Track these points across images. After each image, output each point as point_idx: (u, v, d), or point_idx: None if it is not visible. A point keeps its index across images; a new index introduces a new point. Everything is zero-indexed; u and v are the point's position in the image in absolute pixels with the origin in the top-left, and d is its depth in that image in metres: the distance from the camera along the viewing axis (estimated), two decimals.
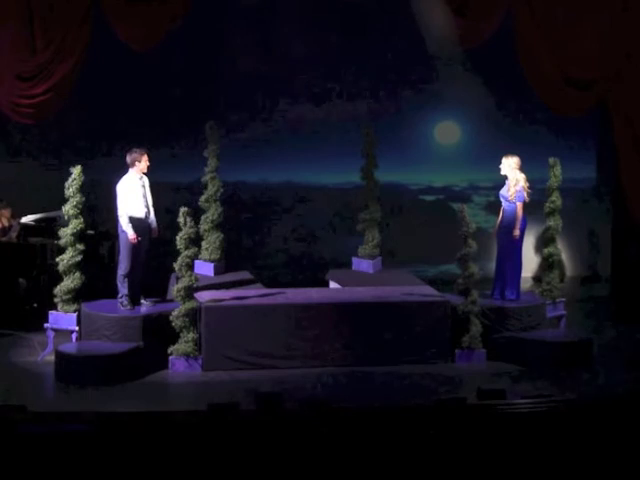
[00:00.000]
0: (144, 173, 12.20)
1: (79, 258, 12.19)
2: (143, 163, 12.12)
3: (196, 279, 11.94)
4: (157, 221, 12.33)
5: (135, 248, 12.01)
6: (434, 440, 6.84)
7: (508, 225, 12.63)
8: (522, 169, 12.68)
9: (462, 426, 6.96)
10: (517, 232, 12.57)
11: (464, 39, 14.15)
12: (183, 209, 11.96)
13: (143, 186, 12.18)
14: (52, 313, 12.18)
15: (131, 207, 12.03)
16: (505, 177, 12.73)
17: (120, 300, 12.06)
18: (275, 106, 16.13)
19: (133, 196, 12.05)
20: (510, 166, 12.66)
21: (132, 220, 11.99)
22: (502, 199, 12.76)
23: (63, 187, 12.15)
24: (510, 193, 12.63)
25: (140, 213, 12.12)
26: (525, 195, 12.60)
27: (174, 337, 11.74)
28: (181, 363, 11.72)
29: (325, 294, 13.20)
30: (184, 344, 11.71)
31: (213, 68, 15.87)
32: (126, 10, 13.17)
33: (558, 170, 12.87)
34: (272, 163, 15.98)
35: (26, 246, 13.60)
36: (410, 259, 15.79)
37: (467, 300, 12.18)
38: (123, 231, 12.01)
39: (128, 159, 12.13)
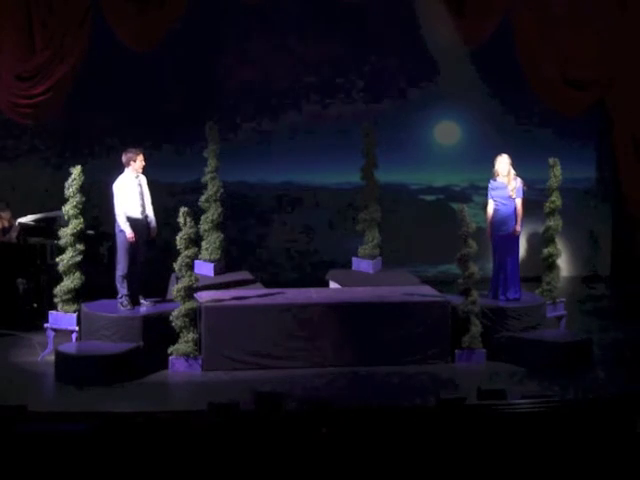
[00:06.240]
0: (141, 172, 12.20)
1: (79, 258, 12.19)
2: (138, 163, 12.12)
3: (196, 279, 11.94)
4: (156, 221, 12.31)
5: (132, 248, 12.01)
6: (434, 440, 6.84)
7: (507, 223, 12.59)
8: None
9: (462, 426, 6.96)
10: (519, 228, 12.60)
11: (464, 39, 14.17)
12: (183, 209, 11.95)
13: (140, 185, 12.17)
14: (52, 313, 12.18)
15: (128, 207, 12.02)
16: (495, 175, 12.68)
17: (120, 300, 12.06)
18: (275, 106, 16.12)
19: (129, 195, 12.03)
20: (508, 163, 12.66)
21: (129, 219, 11.97)
22: (498, 198, 12.63)
23: (63, 187, 12.15)
24: (510, 188, 12.61)
25: (136, 213, 12.10)
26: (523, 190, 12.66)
27: (174, 337, 11.74)
28: (181, 363, 11.72)
29: (325, 294, 13.19)
30: (184, 344, 11.70)
31: (213, 68, 15.86)
32: (125, 11, 13.18)
33: (558, 170, 12.87)
34: (272, 163, 15.98)
35: (26, 246, 13.60)
36: (410, 259, 15.79)
37: (467, 300, 12.18)
38: (121, 231, 11.99)
39: (124, 159, 12.13)
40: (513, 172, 12.66)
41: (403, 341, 12.05)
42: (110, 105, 15.24)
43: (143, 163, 12.17)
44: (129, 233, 11.92)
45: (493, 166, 12.72)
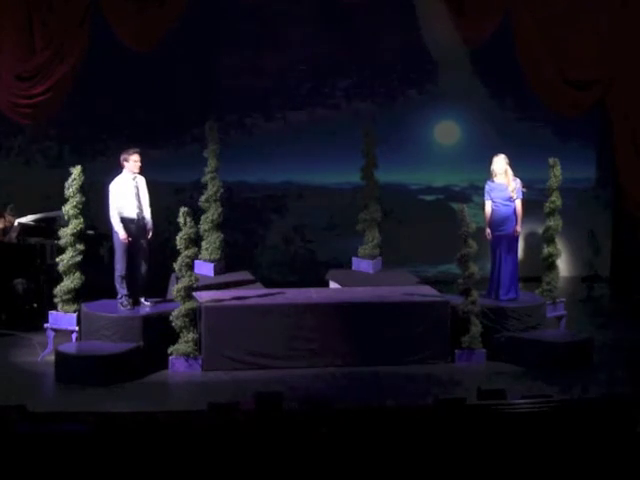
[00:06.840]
0: (139, 173, 12.18)
1: (79, 258, 12.19)
2: (132, 163, 12.09)
3: (196, 279, 11.94)
4: (154, 221, 12.28)
5: (129, 248, 12.00)
6: (434, 440, 6.84)
7: (507, 224, 12.59)
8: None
9: (462, 426, 6.97)
10: (520, 228, 12.62)
11: (464, 39, 14.16)
12: (183, 209, 11.95)
13: (136, 186, 12.15)
14: (52, 313, 12.18)
15: (123, 207, 12.01)
16: (492, 176, 12.66)
17: (120, 301, 12.06)
18: (275, 106, 16.12)
19: (125, 196, 12.02)
20: (505, 162, 12.66)
21: (124, 220, 11.96)
22: (498, 199, 12.64)
23: (63, 187, 12.15)
24: (510, 189, 12.61)
25: (132, 213, 12.08)
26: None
27: (174, 337, 11.74)
28: (181, 363, 11.72)
29: (325, 294, 13.19)
30: (184, 344, 11.71)
31: (213, 68, 15.86)
32: (125, 10, 13.16)
33: (558, 170, 12.87)
34: (272, 163, 15.98)
35: (26, 246, 13.59)
36: (410, 259, 15.79)
37: (467, 300, 12.18)
38: (116, 231, 12.00)
39: (120, 159, 12.14)
40: (511, 173, 12.66)
41: (403, 341, 12.06)
42: (110, 105, 15.24)
43: (138, 163, 12.14)
44: (122, 234, 11.91)
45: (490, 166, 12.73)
